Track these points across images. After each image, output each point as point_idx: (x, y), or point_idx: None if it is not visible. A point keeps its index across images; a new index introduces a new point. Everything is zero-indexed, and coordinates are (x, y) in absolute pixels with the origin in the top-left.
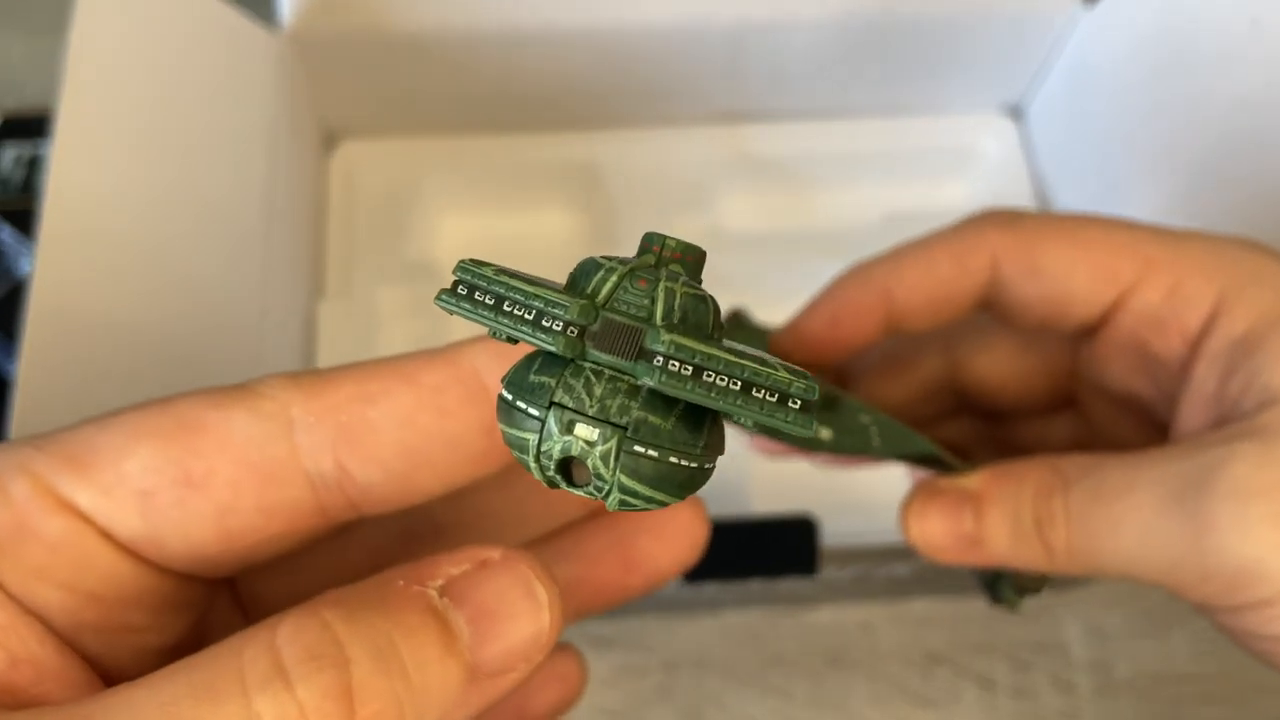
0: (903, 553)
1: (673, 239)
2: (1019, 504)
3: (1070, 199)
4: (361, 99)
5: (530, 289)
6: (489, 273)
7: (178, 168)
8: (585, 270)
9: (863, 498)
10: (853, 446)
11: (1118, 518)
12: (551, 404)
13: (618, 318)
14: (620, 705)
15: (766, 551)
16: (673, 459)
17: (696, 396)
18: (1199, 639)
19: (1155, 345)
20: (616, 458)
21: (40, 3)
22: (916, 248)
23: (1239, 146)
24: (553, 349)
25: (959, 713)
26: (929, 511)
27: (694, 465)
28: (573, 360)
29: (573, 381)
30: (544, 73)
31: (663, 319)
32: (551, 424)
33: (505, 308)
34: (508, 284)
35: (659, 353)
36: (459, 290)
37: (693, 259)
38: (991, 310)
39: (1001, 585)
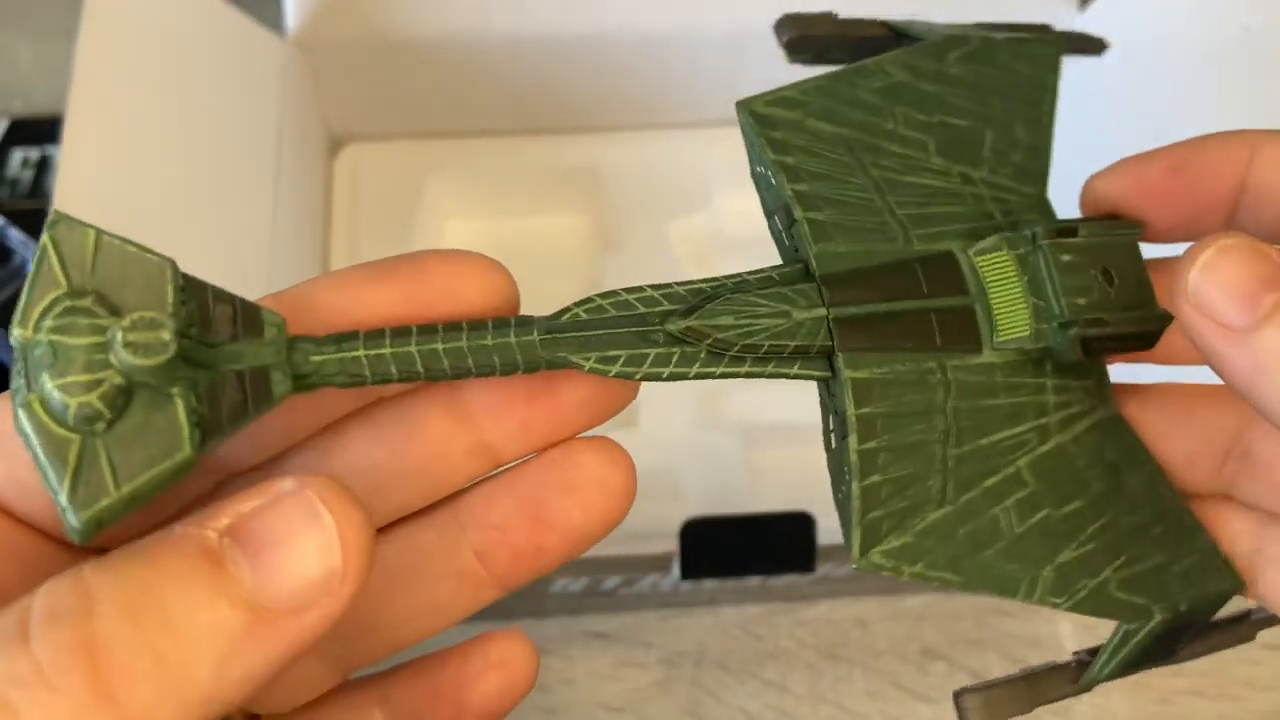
0: None
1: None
2: None
3: (1062, 203)
4: (366, 103)
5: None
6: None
7: (184, 171)
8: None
9: None
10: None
11: None
12: None
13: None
14: (619, 700)
15: (765, 548)
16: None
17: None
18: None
19: None
20: None
21: (49, 7)
22: None
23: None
24: None
25: (954, 707)
26: (1228, 260)
27: None
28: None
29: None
30: (547, 77)
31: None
32: None
33: None
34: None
35: None
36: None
37: None
38: None
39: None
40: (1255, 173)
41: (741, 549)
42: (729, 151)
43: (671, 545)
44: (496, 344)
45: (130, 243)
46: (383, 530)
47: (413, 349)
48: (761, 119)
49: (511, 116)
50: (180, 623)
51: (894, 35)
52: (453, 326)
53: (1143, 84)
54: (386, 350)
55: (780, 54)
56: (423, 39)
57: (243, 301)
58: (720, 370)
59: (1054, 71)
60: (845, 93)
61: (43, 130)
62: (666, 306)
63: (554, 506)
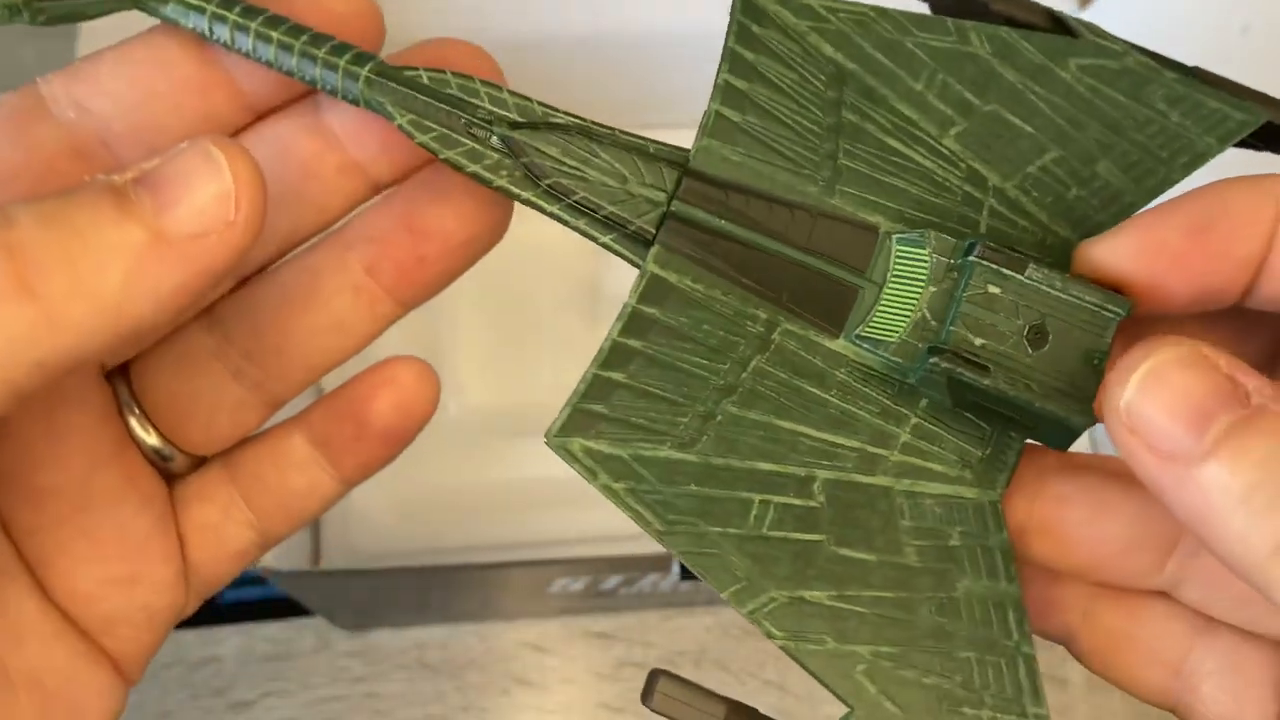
0: None
1: None
2: None
3: None
4: None
5: None
6: None
7: None
8: None
9: None
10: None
11: None
12: None
13: None
14: (620, 700)
15: None
16: None
17: None
18: None
19: None
20: None
21: None
22: None
23: (1227, 153)
24: None
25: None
26: (1171, 375)
27: None
28: None
29: None
30: (547, 77)
31: None
32: None
33: None
34: None
35: None
36: None
37: None
38: None
39: None
40: None
41: None
42: None
43: None
44: (325, 59)
45: None
46: (278, 262)
47: (253, 27)
48: (752, 9)
49: None
50: (89, 235)
51: (1056, 29)
52: (298, 28)
53: None
54: (231, 16)
55: None
56: (422, 40)
57: None
58: (526, 196)
59: (1221, 139)
60: (885, 33)
61: None
62: (512, 116)
63: (428, 215)
